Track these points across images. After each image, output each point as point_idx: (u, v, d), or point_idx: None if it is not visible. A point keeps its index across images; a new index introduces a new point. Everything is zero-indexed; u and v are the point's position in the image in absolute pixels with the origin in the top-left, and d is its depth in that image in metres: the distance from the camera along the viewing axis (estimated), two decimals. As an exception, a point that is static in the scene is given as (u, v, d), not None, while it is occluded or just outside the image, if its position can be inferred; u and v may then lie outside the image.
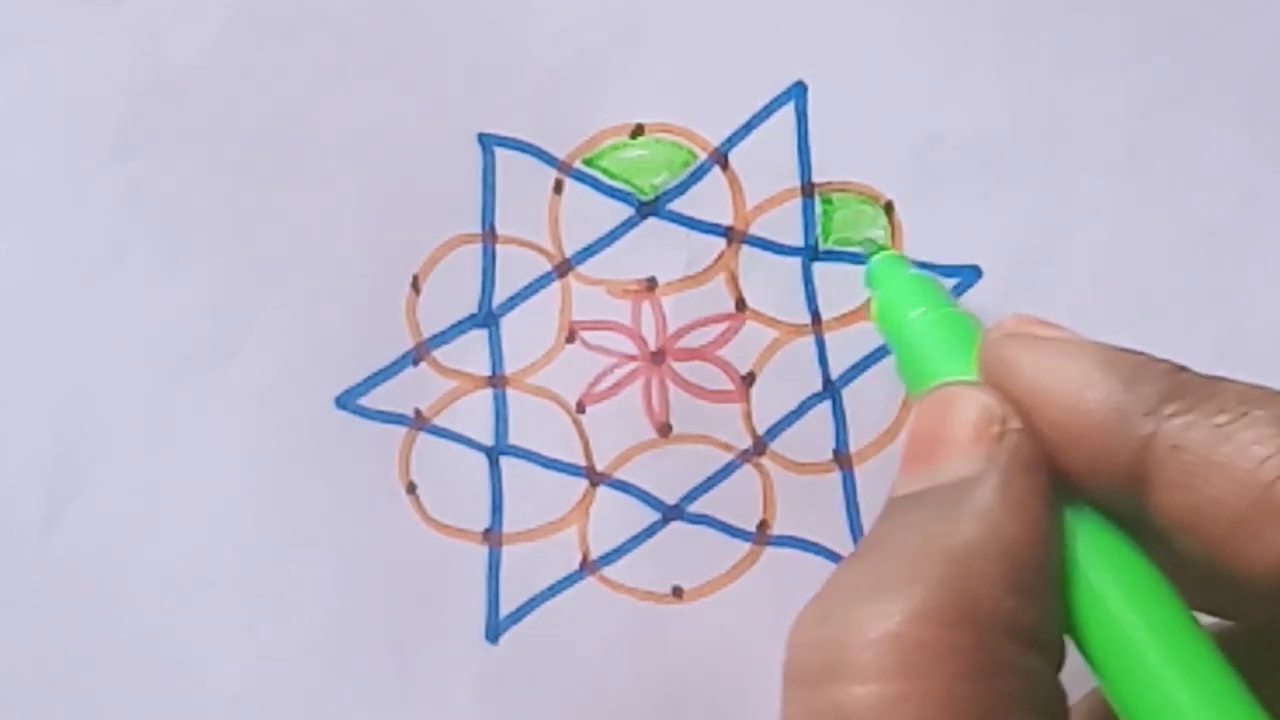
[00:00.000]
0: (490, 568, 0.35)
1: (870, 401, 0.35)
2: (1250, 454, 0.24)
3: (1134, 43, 0.35)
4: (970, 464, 0.26)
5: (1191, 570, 0.25)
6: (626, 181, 0.35)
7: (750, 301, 0.35)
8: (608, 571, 0.35)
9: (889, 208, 0.35)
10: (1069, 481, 0.26)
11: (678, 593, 0.34)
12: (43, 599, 0.34)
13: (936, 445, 0.27)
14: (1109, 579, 0.25)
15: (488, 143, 0.35)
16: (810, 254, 0.35)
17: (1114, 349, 0.27)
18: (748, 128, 0.35)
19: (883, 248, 0.34)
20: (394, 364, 0.35)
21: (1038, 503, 0.25)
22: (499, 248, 0.35)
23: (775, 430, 0.35)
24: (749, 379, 0.35)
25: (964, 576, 0.24)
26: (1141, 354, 0.26)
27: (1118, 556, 0.25)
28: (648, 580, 0.35)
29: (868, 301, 0.35)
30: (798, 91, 0.35)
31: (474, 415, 0.35)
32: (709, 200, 0.35)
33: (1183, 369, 0.26)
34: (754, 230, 0.35)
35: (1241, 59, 0.35)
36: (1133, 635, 0.24)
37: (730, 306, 0.35)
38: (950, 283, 0.35)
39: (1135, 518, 0.26)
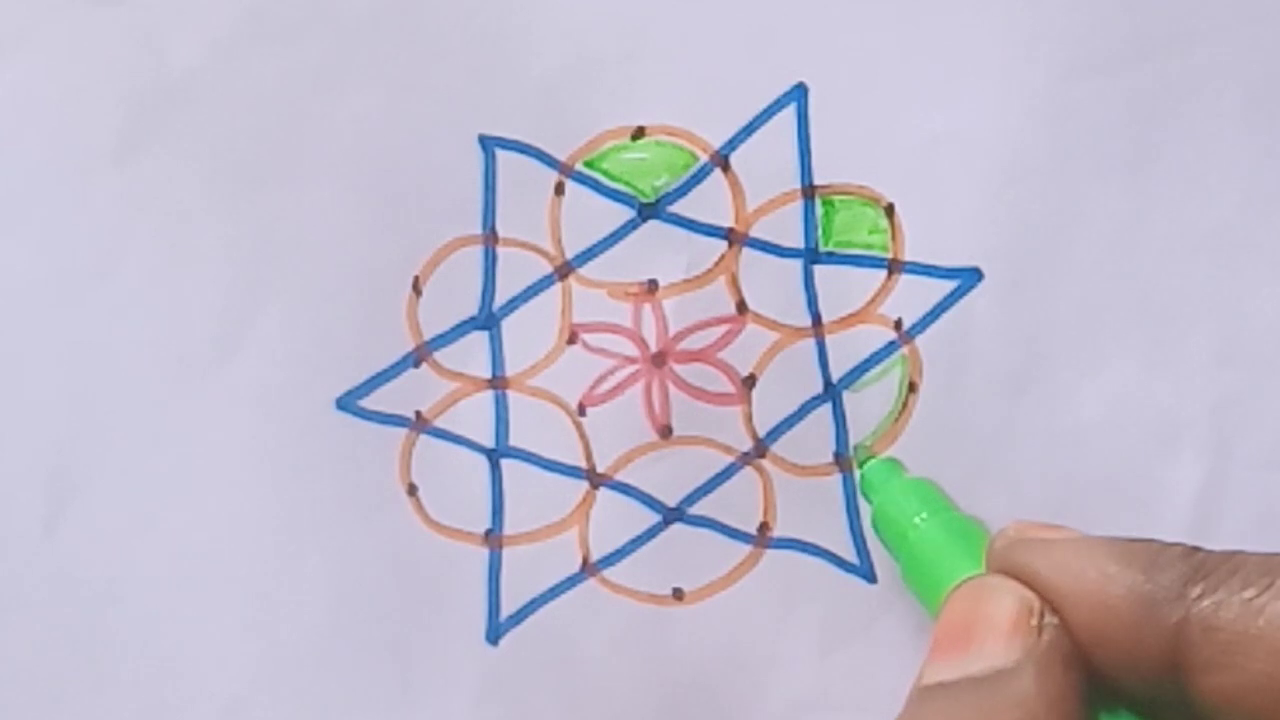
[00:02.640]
0: (491, 569, 0.35)
1: (871, 404, 0.35)
2: None
3: (1134, 44, 0.35)
4: (1007, 655, 0.26)
5: None
6: (627, 183, 0.35)
7: (751, 304, 0.35)
8: (608, 573, 0.35)
9: (890, 210, 0.35)
10: (1103, 679, 0.26)
11: (678, 595, 0.34)
12: (43, 599, 0.34)
13: (972, 634, 0.27)
14: None
15: (489, 144, 0.35)
16: (811, 256, 0.35)
17: (1124, 541, 0.27)
18: (749, 130, 0.35)
19: (872, 455, 0.34)
20: (395, 366, 0.35)
21: (1075, 698, 0.26)
22: (500, 250, 0.35)
23: (776, 432, 0.35)
24: (750, 381, 0.35)
25: None
26: (1153, 541, 0.26)
27: None
28: (648, 582, 0.35)
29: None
30: (799, 93, 0.35)
31: (475, 417, 0.35)
32: (710, 202, 0.35)
33: (1197, 549, 0.26)
34: (755, 232, 0.35)
35: (1242, 60, 0.35)
36: None
37: (731, 309, 0.35)
38: (951, 285, 0.35)
39: (1174, 704, 0.26)
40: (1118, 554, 0.26)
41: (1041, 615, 0.26)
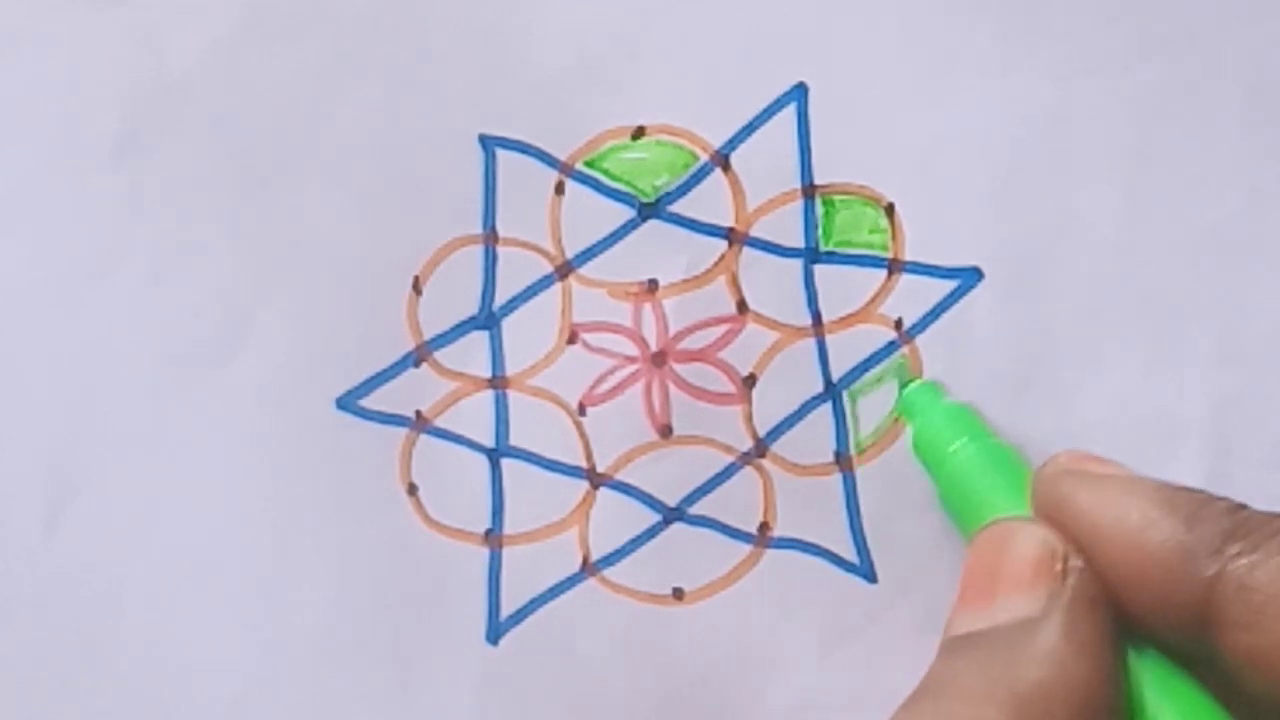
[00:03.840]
0: (491, 569, 0.35)
1: (871, 404, 0.35)
2: None
3: (1135, 44, 0.35)
4: (1033, 602, 0.26)
5: (1263, 709, 0.25)
6: (628, 183, 0.35)
7: (751, 303, 0.35)
8: (608, 573, 0.35)
9: (890, 209, 0.35)
10: (1131, 621, 0.26)
11: (678, 594, 0.34)
12: (42, 599, 0.34)
13: (996, 582, 0.27)
14: None
15: (489, 144, 0.35)
16: (811, 256, 0.35)
17: (1172, 487, 0.27)
18: (749, 129, 0.35)
19: (915, 377, 0.34)
20: (395, 365, 0.35)
21: (1104, 643, 0.26)
22: (500, 249, 0.35)
23: (776, 432, 0.35)
24: (750, 381, 0.35)
25: (1033, 718, 0.24)
26: (1200, 492, 0.26)
27: (1185, 698, 0.26)
28: (649, 582, 0.35)
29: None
30: (799, 93, 0.35)
31: (475, 417, 0.35)
32: (710, 202, 0.35)
33: (1242, 507, 0.26)
34: (755, 232, 0.35)
35: (1243, 60, 0.35)
36: None
37: (731, 308, 0.35)
38: (950, 285, 0.35)
39: (1199, 656, 0.26)
40: (1163, 500, 0.26)
41: (1065, 560, 0.26)
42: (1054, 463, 0.29)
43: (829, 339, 0.35)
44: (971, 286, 0.35)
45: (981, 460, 0.31)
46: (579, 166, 0.35)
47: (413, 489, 0.35)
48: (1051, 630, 0.25)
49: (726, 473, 0.35)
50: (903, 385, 0.34)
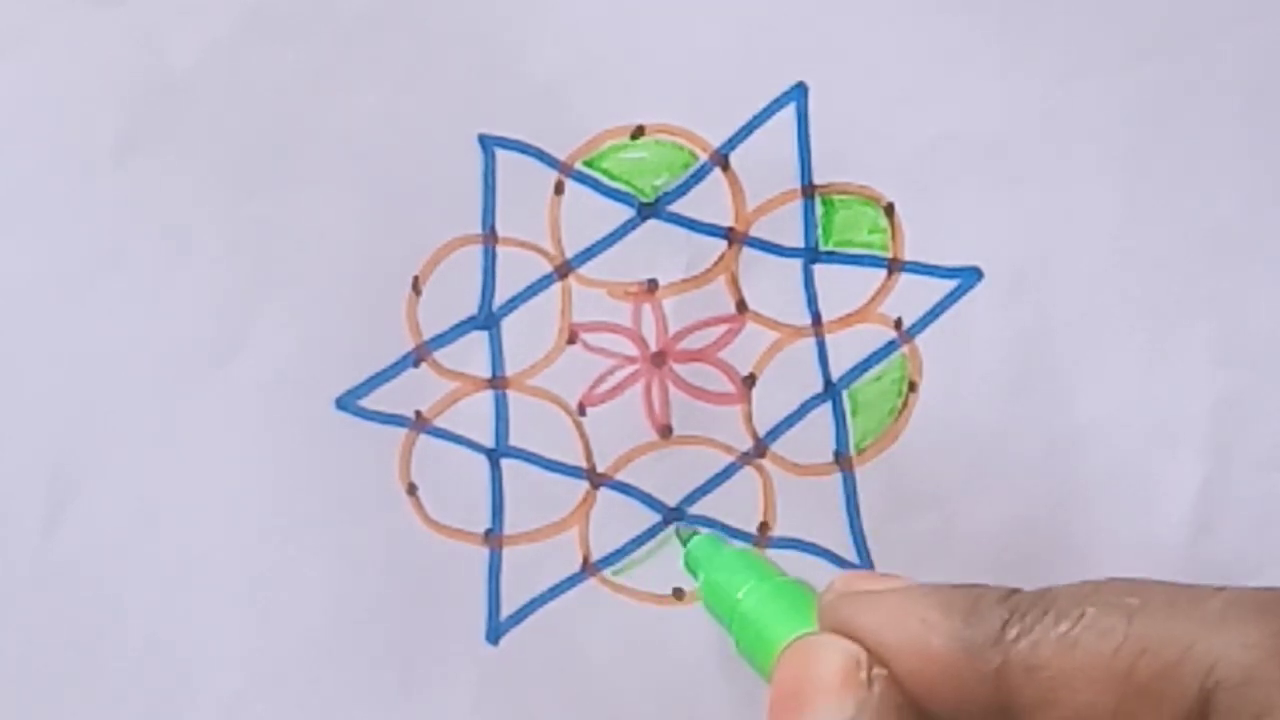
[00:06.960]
0: (491, 569, 0.35)
1: (871, 403, 0.35)
2: (1099, 651, 0.24)
3: (1134, 44, 0.35)
4: (842, 711, 0.26)
5: None
6: (627, 183, 0.35)
7: (751, 303, 0.35)
8: (609, 573, 0.35)
9: (890, 209, 0.35)
10: None
11: (679, 594, 0.34)
12: (42, 599, 0.34)
13: (804, 695, 0.27)
14: None
15: (489, 144, 0.35)
16: (811, 255, 0.35)
17: (947, 588, 0.27)
18: (749, 129, 0.35)
19: (696, 531, 0.34)
20: (395, 365, 0.35)
21: None
22: (500, 249, 0.35)
23: (776, 432, 0.35)
24: (750, 381, 0.35)
25: None
26: (975, 586, 0.26)
27: None
28: (649, 582, 0.35)
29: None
30: (799, 93, 0.35)
31: (475, 417, 0.35)
32: (710, 202, 0.35)
33: (1014, 591, 0.26)
34: (755, 232, 0.35)
35: (1242, 61, 0.35)
36: None
37: (731, 308, 0.35)
38: (950, 285, 0.35)
39: None
40: (939, 602, 0.26)
41: (870, 668, 0.26)
42: (830, 590, 0.29)
43: (829, 339, 0.35)
44: (971, 286, 0.35)
45: (770, 598, 0.31)
46: (578, 166, 0.35)
47: (413, 489, 0.35)
48: None
49: (726, 472, 0.35)
50: (684, 541, 0.34)
